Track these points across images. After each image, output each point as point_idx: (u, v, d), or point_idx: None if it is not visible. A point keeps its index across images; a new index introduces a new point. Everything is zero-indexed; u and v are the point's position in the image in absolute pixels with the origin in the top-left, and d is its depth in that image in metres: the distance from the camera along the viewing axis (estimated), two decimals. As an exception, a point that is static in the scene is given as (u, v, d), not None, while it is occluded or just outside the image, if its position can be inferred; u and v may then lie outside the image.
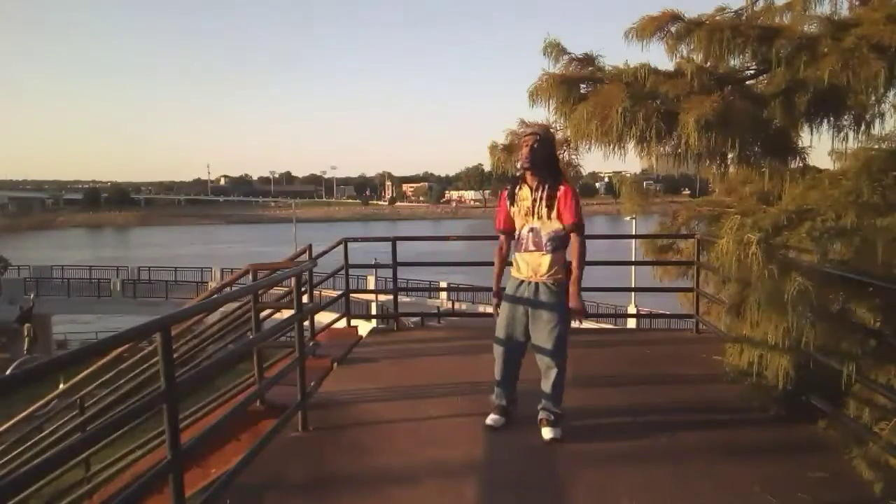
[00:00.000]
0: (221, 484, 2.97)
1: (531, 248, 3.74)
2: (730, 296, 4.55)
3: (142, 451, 5.02)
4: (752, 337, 3.68)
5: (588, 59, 5.07)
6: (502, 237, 3.95)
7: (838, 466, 3.29)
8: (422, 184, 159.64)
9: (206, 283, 29.24)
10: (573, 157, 5.52)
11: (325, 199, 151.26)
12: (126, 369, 5.21)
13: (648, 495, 3.06)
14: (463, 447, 3.65)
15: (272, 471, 3.40)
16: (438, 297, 26.74)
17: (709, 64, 4.72)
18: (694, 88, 4.42)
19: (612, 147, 4.65)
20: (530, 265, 3.76)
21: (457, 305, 25.83)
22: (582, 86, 4.88)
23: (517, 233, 3.83)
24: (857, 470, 3.17)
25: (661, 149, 4.66)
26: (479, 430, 3.85)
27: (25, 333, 22.85)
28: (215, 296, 5.49)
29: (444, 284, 23.74)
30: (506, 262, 3.96)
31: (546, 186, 3.70)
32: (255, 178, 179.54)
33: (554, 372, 3.77)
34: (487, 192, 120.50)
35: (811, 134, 4.78)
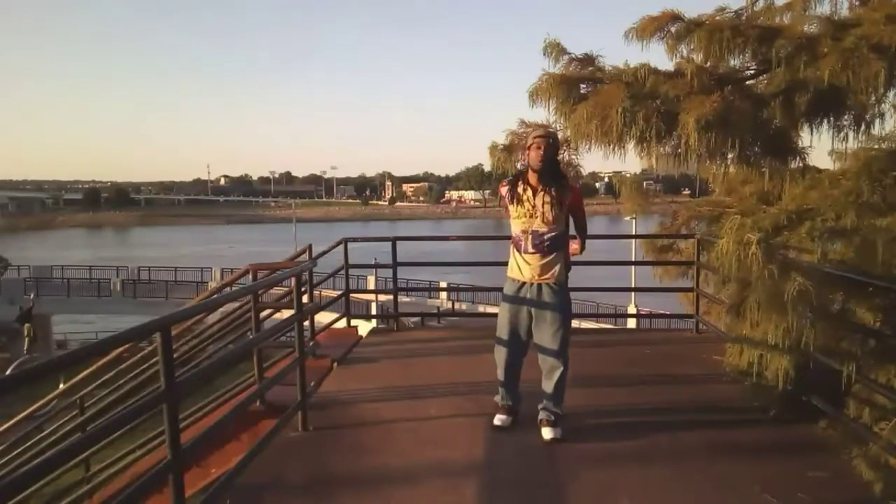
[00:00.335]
0: (221, 484, 2.97)
1: (531, 250, 3.72)
2: (730, 296, 4.55)
3: (142, 451, 5.02)
4: (752, 337, 3.68)
5: (588, 59, 5.07)
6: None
7: (838, 466, 3.29)
8: (422, 184, 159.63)
9: (206, 283, 29.25)
10: (573, 157, 5.52)
11: (325, 199, 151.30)
12: (126, 369, 5.20)
13: (648, 495, 3.07)
14: (463, 447, 3.65)
15: (272, 471, 3.40)
16: (438, 297, 26.73)
17: (709, 64, 4.72)
18: (694, 88, 4.42)
19: (612, 147, 4.65)
20: (531, 267, 3.74)
21: (457, 305, 25.82)
22: (582, 86, 4.87)
23: (514, 233, 3.79)
24: (857, 470, 3.17)
25: (661, 149, 4.66)
26: (479, 430, 3.86)
27: (25, 333, 22.86)
28: (215, 296, 5.49)
29: (444, 284, 23.76)
30: None
31: (553, 188, 3.68)
32: (255, 178, 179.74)
33: (559, 372, 3.79)
34: (487, 192, 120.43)
35: (811, 134, 4.78)
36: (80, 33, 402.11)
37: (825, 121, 4.66)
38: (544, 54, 5.16)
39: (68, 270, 33.29)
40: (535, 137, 3.71)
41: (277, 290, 6.65)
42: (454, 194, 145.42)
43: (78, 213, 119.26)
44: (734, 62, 4.84)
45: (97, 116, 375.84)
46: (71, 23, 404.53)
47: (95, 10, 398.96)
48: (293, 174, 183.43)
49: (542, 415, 3.82)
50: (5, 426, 5.79)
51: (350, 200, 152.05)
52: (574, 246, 3.97)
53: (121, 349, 4.93)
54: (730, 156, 4.65)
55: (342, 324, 6.73)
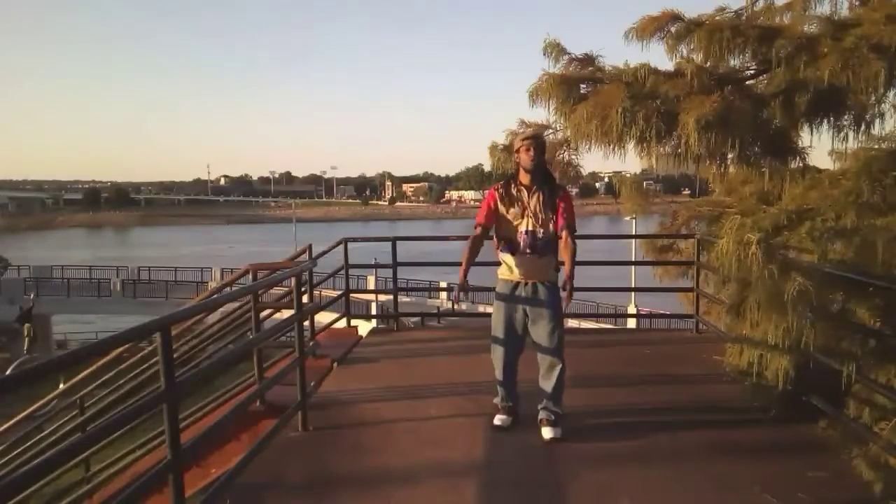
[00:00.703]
0: (221, 484, 2.97)
1: (527, 251, 3.75)
2: (730, 296, 4.55)
3: (142, 451, 5.02)
4: (752, 337, 3.68)
5: (588, 59, 5.07)
6: (480, 230, 3.84)
7: (838, 466, 3.29)
8: (422, 184, 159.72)
9: (206, 283, 29.24)
10: (573, 157, 5.52)
11: (325, 199, 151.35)
12: (126, 369, 5.20)
13: (648, 495, 3.07)
14: (463, 447, 3.65)
15: (272, 471, 3.40)
16: (438, 297, 26.73)
17: (709, 64, 4.72)
18: (694, 88, 4.42)
19: (612, 147, 4.65)
20: (526, 267, 3.77)
21: (457, 305, 25.79)
22: (582, 86, 4.88)
23: (508, 234, 3.80)
24: (857, 470, 3.17)
25: (661, 149, 4.66)
26: (479, 430, 3.86)
27: (25, 333, 22.85)
28: (215, 296, 5.49)
29: (444, 284, 23.75)
30: (476, 255, 3.85)
31: (545, 190, 3.74)
32: (255, 178, 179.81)
33: (558, 369, 3.80)
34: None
35: (811, 134, 4.78)
36: (80, 33, 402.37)
37: (825, 121, 4.66)
38: (544, 54, 5.16)
39: (68, 270, 33.28)
40: (523, 140, 3.78)
41: (277, 290, 6.65)
42: (454, 194, 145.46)
43: (78, 213, 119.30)
44: (734, 62, 4.84)
45: (97, 116, 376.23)
46: (71, 23, 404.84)
47: (95, 9, 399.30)
48: (293, 174, 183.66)
49: (542, 414, 3.82)
50: (5, 426, 5.79)
51: (350, 200, 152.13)
52: (566, 300, 3.68)
53: (121, 349, 4.93)
54: (730, 156, 4.65)
55: (342, 324, 6.73)
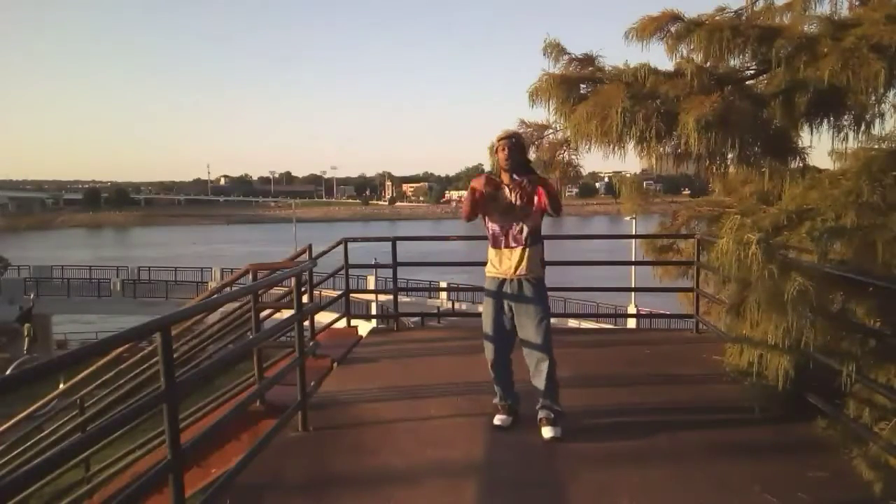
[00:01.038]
0: (221, 484, 2.97)
1: (511, 244, 3.84)
2: (730, 296, 4.55)
3: (142, 451, 5.02)
4: (752, 337, 3.68)
5: (588, 60, 5.07)
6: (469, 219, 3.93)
7: (838, 466, 3.29)
8: (422, 184, 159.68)
9: (206, 283, 29.24)
10: (573, 157, 5.52)
11: (325, 199, 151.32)
12: (126, 369, 5.20)
13: (648, 495, 3.06)
14: (463, 447, 3.65)
15: (272, 471, 3.40)
16: (438, 297, 26.73)
17: (709, 64, 4.72)
18: (694, 88, 4.42)
19: (612, 147, 4.65)
20: (511, 260, 3.84)
21: (457, 305, 25.83)
22: (582, 86, 4.88)
23: (493, 229, 3.89)
24: (857, 470, 3.17)
25: (661, 149, 4.66)
26: (479, 430, 3.86)
27: (25, 333, 22.86)
28: (215, 296, 5.49)
29: (444, 284, 23.76)
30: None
31: (524, 184, 3.82)
32: (255, 178, 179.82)
33: (546, 364, 3.82)
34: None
35: (811, 134, 4.78)
36: (81, 33, 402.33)
37: (825, 121, 4.66)
38: (544, 54, 5.17)
39: (68, 270, 33.25)
40: (499, 140, 3.88)
41: (277, 290, 6.65)
42: (454, 194, 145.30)
43: (78, 213, 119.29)
44: (734, 62, 4.84)
45: (97, 116, 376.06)
46: (71, 22, 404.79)
47: (95, 9, 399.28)
48: (293, 174, 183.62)
49: (541, 413, 3.83)
50: (5, 426, 5.79)
51: (350, 200, 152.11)
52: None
53: (121, 349, 4.93)
54: (730, 156, 4.65)
55: (342, 324, 6.73)
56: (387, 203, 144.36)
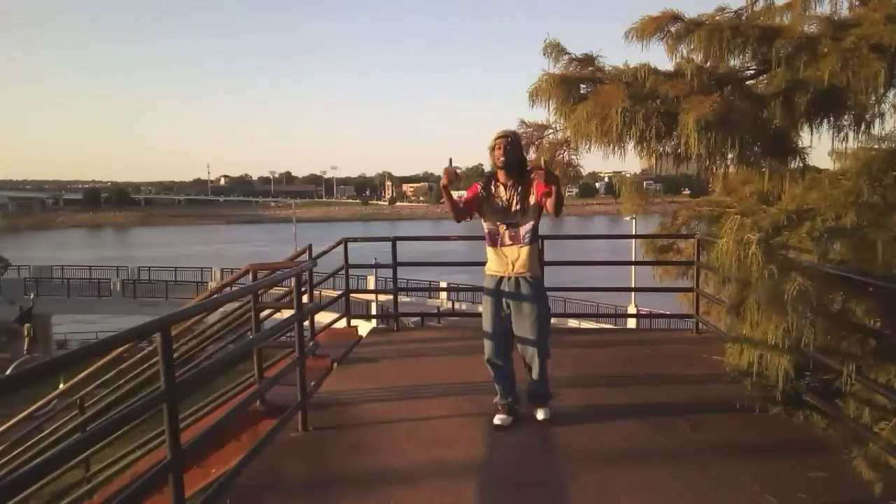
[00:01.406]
0: (221, 484, 2.97)
1: (508, 241, 3.88)
2: (730, 296, 4.54)
3: (142, 451, 5.02)
4: (752, 337, 3.68)
5: (588, 60, 5.06)
6: (462, 204, 3.96)
7: (838, 466, 3.29)
8: (422, 184, 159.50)
9: (206, 283, 29.23)
10: (573, 157, 5.51)
11: (325, 199, 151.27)
12: (126, 369, 5.20)
13: (648, 495, 3.07)
14: (463, 447, 3.65)
15: (272, 471, 3.40)
16: (438, 297, 26.73)
17: (709, 64, 4.71)
18: (694, 88, 4.41)
19: (611, 147, 4.64)
20: (509, 258, 3.88)
21: (457, 305, 25.83)
22: (582, 86, 4.87)
23: (491, 229, 3.93)
24: (857, 470, 3.17)
25: (661, 149, 4.65)
26: (479, 430, 3.86)
27: (25, 333, 22.87)
28: (215, 296, 5.49)
29: (444, 284, 23.76)
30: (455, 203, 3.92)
31: (521, 183, 3.88)
32: (255, 178, 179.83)
33: (538, 360, 3.92)
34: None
35: (811, 134, 4.77)
36: (81, 33, 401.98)
37: (825, 121, 4.65)
38: (544, 54, 5.15)
39: (68, 270, 33.26)
40: (495, 139, 3.93)
41: (277, 290, 6.64)
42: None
43: (78, 213, 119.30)
44: (734, 62, 4.83)
45: (97, 116, 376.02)
46: (71, 22, 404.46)
47: (96, 9, 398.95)
48: (293, 174, 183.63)
49: (532, 399, 4.00)
50: (5, 426, 5.78)
51: (350, 200, 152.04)
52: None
53: (121, 349, 4.93)
54: (730, 156, 4.64)
55: (342, 324, 6.73)
56: (387, 203, 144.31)
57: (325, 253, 6.34)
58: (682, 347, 5.99)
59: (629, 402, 4.35)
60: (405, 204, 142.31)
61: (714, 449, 3.58)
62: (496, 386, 4.00)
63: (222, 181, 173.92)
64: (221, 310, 5.05)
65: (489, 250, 3.97)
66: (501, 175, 3.91)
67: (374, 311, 16.79)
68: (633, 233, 16.48)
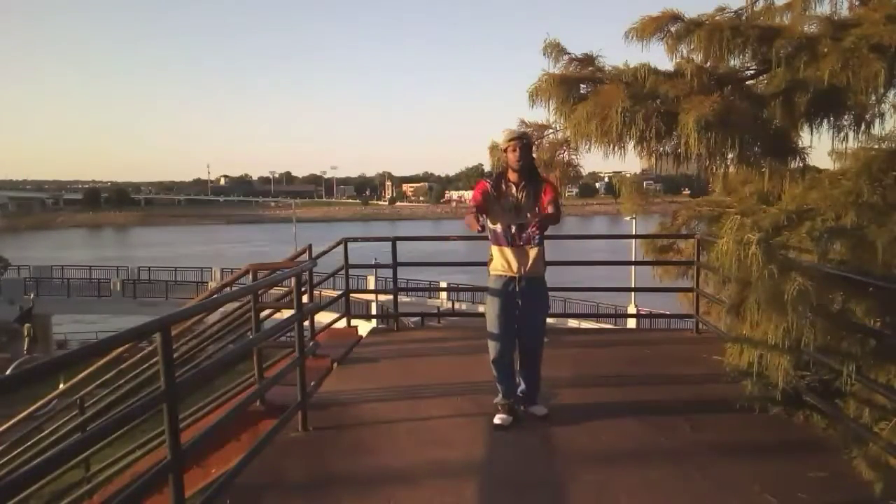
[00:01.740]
0: (221, 484, 2.97)
1: (519, 242, 3.89)
2: (730, 296, 4.54)
3: (142, 451, 5.01)
4: (752, 337, 3.67)
5: (588, 60, 5.06)
6: (475, 209, 3.83)
7: (838, 466, 3.29)
8: (422, 184, 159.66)
9: (206, 283, 29.24)
10: (573, 157, 5.51)
11: (325, 199, 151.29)
12: (126, 369, 5.20)
13: (648, 495, 3.07)
14: (463, 447, 3.65)
15: (272, 471, 3.40)
16: (438, 297, 26.72)
17: (709, 64, 4.71)
18: (694, 88, 4.41)
19: (611, 147, 4.64)
20: (519, 259, 3.90)
21: (457, 305, 25.83)
22: (582, 86, 4.86)
23: (499, 229, 3.92)
24: (857, 470, 3.17)
25: (661, 149, 4.65)
26: (479, 430, 3.86)
27: (25, 333, 22.87)
28: (215, 296, 5.49)
29: (444, 284, 23.76)
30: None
31: (532, 185, 3.90)
32: (255, 178, 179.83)
33: (538, 357, 4.05)
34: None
35: (811, 134, 4.77)
36: (81, 33, 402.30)
37: (825, 121, 4.65)
38: (544, 54, 5.15)
39: (68, 270, 33.27)
40: (509, 141, 3.90)
41: (277, 290, 6.64)
42: (454, 194, 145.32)
43: (78, 213, 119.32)
44: (734, 62, 4.83)
45: (97, 116, 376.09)
46: (71, 22, 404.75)
47: (95, 9, 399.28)
48: (293, 174, 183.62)
49: (529, 398, 4.07)
50: (5, 426, 5.78)
51: (350, 200, 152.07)
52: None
53: (121, 349, 4.93)
54: (730, 156, 4.64)
55: (342, 324, 6.73)
56: (387, 203, 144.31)
57: (325, 253, 6.34)
58: (682, 347, 6.00)
59: (629, 402, 4.35)
60: (405, 204, 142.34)
61: (714, 449, 3.58)
62: (499, 386, 4.01)
63: (222, 181, 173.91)
64: (221, 310, 5.05)
65: (496, 250, 3.95)
66: (514, 176, 3.90)
67: (374, 311, 16.79)
68: (633, 233, 16.48)
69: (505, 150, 3.91)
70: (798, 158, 4.85)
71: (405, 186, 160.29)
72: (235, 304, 5.36)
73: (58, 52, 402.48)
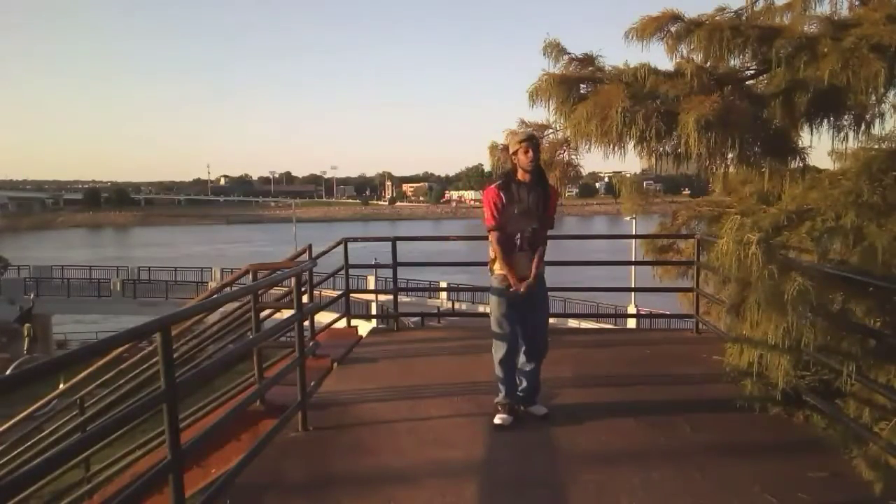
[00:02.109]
0: (221, 484, 2.97)
1: (525, 247, 3.91)
2: (730, 296, 4.55)
3: (142, 451, 5.02)
4: (752, 337, 3.68)
5: (588, 59, 5.06)
6: (498, 232, 3.90)
7: (838, 466, 3.29)
8: (422, 184, 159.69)
9: (206, 283, 29.25)
10: (573, 157, 5.52)
11: (325, 199, 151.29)
12: (126, 369, 5.20)
13: (648, 495, 3.06)
14: (463, 447, 3.65)
15: (272, 471, 3.40)
16: (438, 297, 26.73)
17: (709, 64, 4.71)
18: (694, 88, 4.42)
19: (612, 147, 4.64)
20: (524, 263, 3.92)
21: (457, 305, 25.82)
22: (582, 86, 4.87)
23: (510, 235, 3.89)
24: (857, 470, 3.17)
25: (661, 149, 4.66)
26: (479, 430, 3.86)
27: (25, 333, 22.87)
28: (215, 296, 5.49)
29: (444, 284, 23.76)
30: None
31: (540, 188, 3.91)
32: (255, 178, 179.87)
33: (543, 356, 4.07)
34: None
35: (811, 134, 4.78)
36: (81, 33, 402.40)
37: (825, 121, 4.65)
38: (544, 54, 5.16)
39: (68, 270, 33.28)
40: (520, 142, 3.86)
41: (277, 290, 6.64)
42: (454, 194, 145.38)
43: (78, 213, 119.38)
44: (734, 62, 4.84)
45: (97, 116, 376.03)
46: (71, 22, 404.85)
47: (95, 9, 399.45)
48: (293, 174, 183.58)
49: (533, 398, 4.09)
50: (5, 426, 5.79)
51: (350, 200, 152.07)
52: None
53: (121, 349, 4.92)
54: (730, 156, 4.64)
55: (342, 324, 6.73)
56: (387, 203, 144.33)
57: (325, 253, 6.34)
58: (682, 347, 5.99)
59: (629, 402, 4.35)
60: (405, 204, 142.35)
61: (714, 449, 3.58)
62: (502, 386, 4.00)
63: (222, 181, 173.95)
64: (221, 310, 5.05)
65: (500, 251, 3.92)
66: (526, 177, 3.88)
67: (374, 311, 16.79)
68: (633, 233, 16.49)
69: (515, 153, 3.87)
70: (798, 158, 4.86)
71: (405, 186, 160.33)
72: (235, 304, 5.36)
73: (58, 52, 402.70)
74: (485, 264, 4.12)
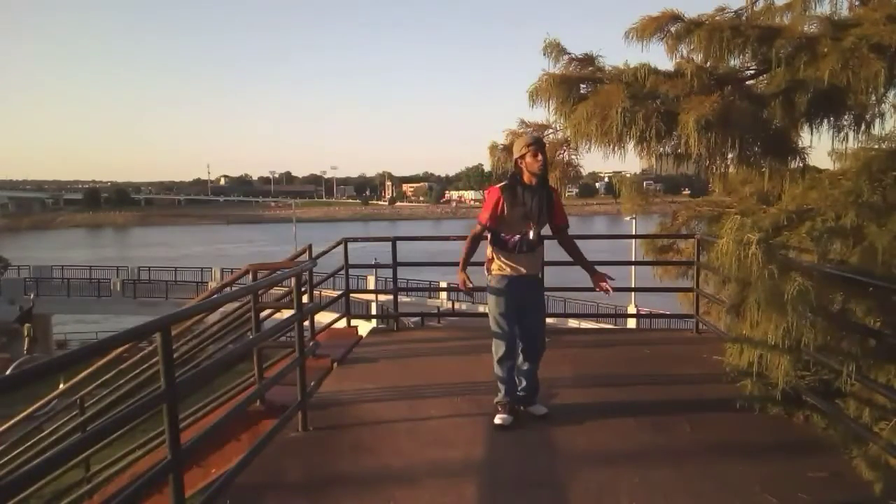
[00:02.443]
0: (221, 484, 2.97)
1: (525, 249, 3.92)
2: (730, 296, 4.55)
3: (142, 451, 5.01)
4: (752, 337, 3.68)
5: (588, 60, 5.07)
6: (480, 229, 3.98)
7: (838, 466, 3.29)
8: (422, 184, 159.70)
9: (206, 283, 29.24)
10: (573, 157, 5.52)
11: (325, 199, 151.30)
12: (126, 369, 5.20)
13: (648, 495, 3.06)
14: (463, 447, 3.65)
15: (272, 471, 3.40)
16: (438, 297, 26.72)
17: (709, 64, 4.71)
18: (694, 88, 4.42)
19: (612, 147, 4.65)
20: (523, 264, 3.93)
21: (457, 305, 25.81)
22: (582, 86, 4.87)
23: (511, 236, 3.89)
24: (857, 470, 3.17)
25: (661, 149, 4.66)
26: (479, 430, 3.86)
27: (25, 333, 22.85)
28: (215, 296, 5.49)
29: (444, 284, 23.75)
30: (474, 254, 4.05)
31: (544, 191, 3.92)
32: (255, 178, 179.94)
33: (541, 355, 4.08)
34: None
35: (811, 134, 4.77)
36: (81, 33, 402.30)
37: (825, 121, 4.65)
38: (544, 54, 5.16)
39: (68, 270, 33.25)
40: (527, 146, 3.86)
41: (277, 290, 6.64)
42: (454, 194, 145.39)
43: (78, 213, 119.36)
44: (734, 62, 4.84)
45: (97, 116, 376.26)
46: (71, 22, 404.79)
47: (95, 9, 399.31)
48: (293, 174, 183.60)
49: (533, 397, 4.10)
50: (5, 426, 5.78)
51: (350, 200, 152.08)
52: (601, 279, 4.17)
53: (121, 349, 4.92)
54: (730, 156, 4.64)
55: (342, 324, 6.73)
56: (387, 203, 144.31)
57: (325, 253, 6.34)
58: (682, 347, 5.99)
59: (629, 402, 4.35)
60: (405, 204, 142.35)
61: (714, 449, 3.58)
62: (503, 385, 4.00)
63: (222, 181, 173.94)
64: (221, 310, 5.04)
65: (503, 255, 3.94)
66: (533, 180, 3.87)
67: (374, 311, 16.79)
68: (633, 233, 16.48)
69: (522, 156, 3.85)
70: (798, 158, 4.86)
71: (405, 186, 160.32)
72: (235, 304, 5.36)
73: (58, 52, 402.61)
74: (485, 264, 4.11)
